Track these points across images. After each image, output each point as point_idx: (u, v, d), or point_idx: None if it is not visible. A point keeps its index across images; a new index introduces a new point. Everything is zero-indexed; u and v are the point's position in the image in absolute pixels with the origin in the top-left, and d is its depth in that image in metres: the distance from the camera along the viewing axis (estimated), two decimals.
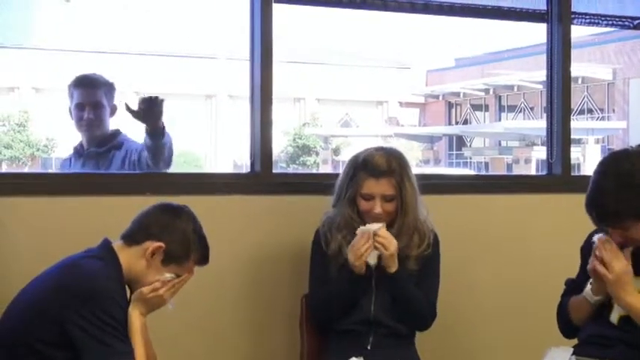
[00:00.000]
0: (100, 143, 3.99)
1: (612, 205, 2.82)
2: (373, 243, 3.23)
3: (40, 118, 29.40)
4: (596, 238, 2.97)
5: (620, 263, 2.90)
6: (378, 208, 3.32)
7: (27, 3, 34.24)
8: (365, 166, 3.34)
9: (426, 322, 3.44)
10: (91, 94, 3.97)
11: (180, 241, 2.87)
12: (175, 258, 2.86)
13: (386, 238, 3.24)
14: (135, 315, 2.82)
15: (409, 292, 3.34)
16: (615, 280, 2.90)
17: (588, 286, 3.08)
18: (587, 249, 3.12)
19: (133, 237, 2.86)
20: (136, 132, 3.95)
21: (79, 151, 4.04)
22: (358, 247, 3.25)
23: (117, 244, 2.86)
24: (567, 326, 3.26)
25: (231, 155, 30.98)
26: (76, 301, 2.65)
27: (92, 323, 2.64)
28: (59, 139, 27.24)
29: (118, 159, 3.97)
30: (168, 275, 2.86)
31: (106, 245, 2.86)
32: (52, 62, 29.53)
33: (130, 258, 2.84)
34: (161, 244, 2.83)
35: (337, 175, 3.53)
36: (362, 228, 3.27)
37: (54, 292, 2.70)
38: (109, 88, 4.03)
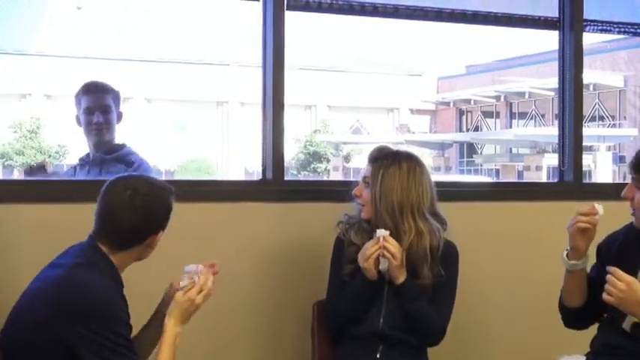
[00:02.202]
0: (108, 151, 4.00)
1: None
2: (382, 247, 3.22)
3: (52, 125, 29.50)
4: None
5: (622, 280, 2.89)
6: (356, 189, 3.40)
7: (39, 11, 34.38)
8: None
9: (434, 340, 3.40)
10: (100, 99, 3.99)
11: (166, 211, 2.85)
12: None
13: (395, 246, 3.22)
14: (170, 325, 2.80)
15: (418, 305, 3.31)
16: (625, 297, 2.89)
17: (564, 252, 3.12)
18: (604, 246, 3.22)
19: (126, 244, 2.78)
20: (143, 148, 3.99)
21: (84, 161, 4.06)
22: (366, 249, 3.25)
23: (105, 248, 2.77)
24: (564, 312, 3.29)
25: (243, 162, 31.02)
26: (76, 319, 2.58)
27: (93, 341, 2.58)
28: (71, 146, 27.31)
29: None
30: (194, 277, 2.85)
31: (95, 248, 2.77)
32: (64, 69, 29.63)
33: (127, 259, 2.81)
34: (160, 231, 2.83)
35: (348, 182, 3.53)
36: (377, 231, 3.26)
37: (52, 310, 2.61)
38: (115, 94, 4.06)
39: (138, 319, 2.90)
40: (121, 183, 2.81)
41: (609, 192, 4.51)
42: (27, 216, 3.43)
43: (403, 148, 3.60)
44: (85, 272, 2.70)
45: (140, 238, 2.80)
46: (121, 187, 2.79)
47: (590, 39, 4.55)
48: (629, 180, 3.09)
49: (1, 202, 3.40)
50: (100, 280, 2.69)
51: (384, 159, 3.36)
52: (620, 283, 2.88)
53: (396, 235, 3.27)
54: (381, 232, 3.23)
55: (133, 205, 2.76)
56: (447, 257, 3.39)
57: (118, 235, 2.77)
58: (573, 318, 3.28)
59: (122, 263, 2.80)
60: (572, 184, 4.39)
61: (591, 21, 4.45)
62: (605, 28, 4.54)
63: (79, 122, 4.05)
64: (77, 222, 2.90)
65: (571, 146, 4.40)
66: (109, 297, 2.67)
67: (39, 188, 3.66)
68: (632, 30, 4.69)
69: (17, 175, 29.89)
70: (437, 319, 3.35)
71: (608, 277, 2.91)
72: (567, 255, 3.14)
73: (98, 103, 3.98)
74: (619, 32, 4.68)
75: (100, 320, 2.60)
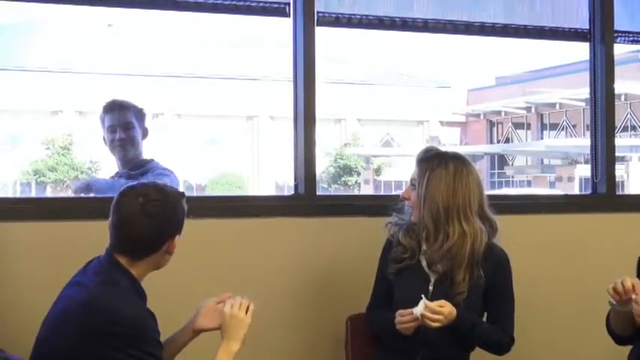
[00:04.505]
0: (134, 166, 4.02)
1: None
2: (420, 322, 3.15)
3: (84, 141, 29.68)
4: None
5: None
6: (404, 191, 3.37)
7: (71, 28, 34.64)
8: None
9: (504, 351, 3.35)
10: (121, 116, 4.02)
11: (180, 214, 2.80)
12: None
13: (437, 313, 3.12)
14: (222, 346, 2.83)
15: (478, 331, 3.25)
16: None
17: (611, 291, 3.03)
18: None
19: (144, 253, 2.75)
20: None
21: (113, 179, 4.09)
22: (402, 321, 3.18)
23: (124, 261, 2.74)
24: (613, 335, 3.25)
25: (274, 176, 31.07)
26: (106, 343, 2.56)
27: None
28: (103, 162, 27.48)
29: None
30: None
31: (113, 262, 2.74)
32: (96, 85, 29.82)
33: (146, 268, 2.77)
34: (176, 236, 2.78)
35: (381, 196, 3.53)
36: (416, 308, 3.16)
37: (80, 336, 2.59)
38: (138, 111, 4.08)
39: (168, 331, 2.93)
40: (131, 192, 2.76)
41: None
42: (43, 234, 3.44)
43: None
44: (108, 292, 2.66)
45: (157, 245, 2.76)
46: (133, 196, 2.74)
47: (619, 49, 4.52)
48: None
49: (13, 220, 3.43)
50: (125, 299, 2.67)
51: (431, 160, 3.31)
52: None
53: (437, 236, 3.24)
54: (419, 310, 3.12)
55: (146, 213, 2.71)
56: (496, 263, 3.32)
57: (135, 245, 2.73)
58: (625, 341, 3.24)
59: (141, 273, 2.77)
60: (605, 195, 4.37)
61: (622, 32, 4.43)
62: (636, 39, 4.52)
63: (105, 142, 4.10)
64: (97, 239, 2.87)
65: (603, 157, 4.38)
66: (136, 317, 2.64)
67: (51, 205, 3.68)
68: None
69: (51, 191, 30.13)
70: (499, 333, 3.29)
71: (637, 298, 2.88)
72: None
73: (119, 121, 4.01)
74: None
75: (130, 342, 2.58)
